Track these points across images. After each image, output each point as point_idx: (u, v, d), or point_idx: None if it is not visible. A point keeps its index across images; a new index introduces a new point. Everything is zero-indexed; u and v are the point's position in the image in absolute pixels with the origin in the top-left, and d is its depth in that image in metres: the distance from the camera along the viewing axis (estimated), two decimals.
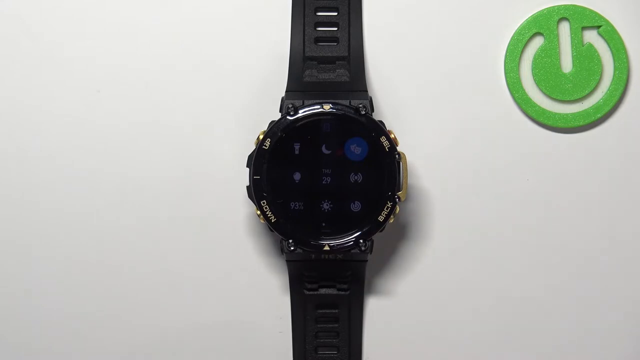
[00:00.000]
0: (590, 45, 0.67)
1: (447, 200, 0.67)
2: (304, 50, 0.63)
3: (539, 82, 0.67)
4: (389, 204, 0.61)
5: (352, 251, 0.61)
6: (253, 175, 0.60)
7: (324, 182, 0.61)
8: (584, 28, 0.67)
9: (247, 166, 0.61)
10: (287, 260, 0.64)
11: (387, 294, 0.67)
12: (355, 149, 0.61)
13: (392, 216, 0.61)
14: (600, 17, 0.67)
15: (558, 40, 0.67)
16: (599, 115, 0.67)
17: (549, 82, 0.67)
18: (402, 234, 0.67)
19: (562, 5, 0.67)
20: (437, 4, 0.67)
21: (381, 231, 0.61)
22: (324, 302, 0.65)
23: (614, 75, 0.67)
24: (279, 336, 0.67)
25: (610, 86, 0.67)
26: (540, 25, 0.67)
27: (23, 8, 0.66)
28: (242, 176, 0.63)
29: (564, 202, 0.67)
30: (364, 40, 0.66)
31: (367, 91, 0.62)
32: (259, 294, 0.67)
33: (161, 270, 0.67)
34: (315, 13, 0.64)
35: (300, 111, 0.60)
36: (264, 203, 0.61)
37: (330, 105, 0.60)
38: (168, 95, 0.66)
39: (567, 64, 0.67)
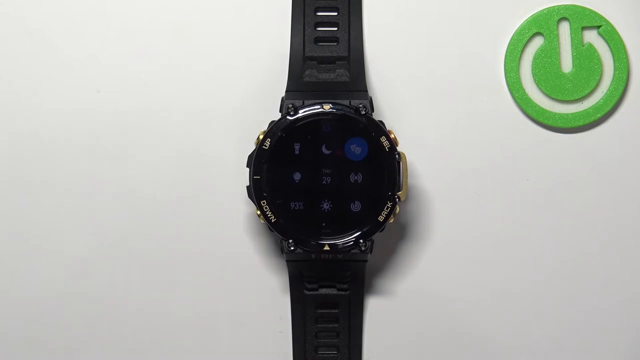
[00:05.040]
0: (590, 45, 0.67)
1: (447, 200, 0.67)
2: (304, 50, 0.63)
3: (539, 82, 0.67)
4: (389, 204, 0.61)
5: (352, 251, 0.61)
6: (253, 175, 0.60)
7: (324, 182, 0.61)
8: (584, 28, 0.67)
9: (247, 166, 0.61)
10: (287, 260, 0.64)
11: (387, 294, 0.67)
12: (355, 149, 0.61)
13: (392, 216, 0.61)
14: (600, 17, 0.67)
15: (558, 40, 0.67)
16: (599, 115, 0.67)
17: (549, 82, 0.67)
18: (402, 234, 0.67)
19: (562, 5, 0.67)
20: (437, 3, 0.67)
21: (381, 231, 0.61)
22: (324, 302, 0.65)
23: (614, 75, 0.67)
24: (279, 336, 0.67)
25: (610, 86, 0.67)
26: (540, 25, 0.67)
27: (23, 8, 0.66)
28: (242, 176, 0.63)
29: (563, 202, 0.67)
30: (364, 40, 0.66)
31: (367, 91, 0.62)
32: (259, 294, 0.67)
33: (161, 270, 0.67)
34: (315, 13, 0.64)
35: (300, 111, 0.60)
36: (264, 203, 0.60)
37: (330, 105, 0.60)
38: (168, 95, 0.66)
39: (567, 64, 0.67)
